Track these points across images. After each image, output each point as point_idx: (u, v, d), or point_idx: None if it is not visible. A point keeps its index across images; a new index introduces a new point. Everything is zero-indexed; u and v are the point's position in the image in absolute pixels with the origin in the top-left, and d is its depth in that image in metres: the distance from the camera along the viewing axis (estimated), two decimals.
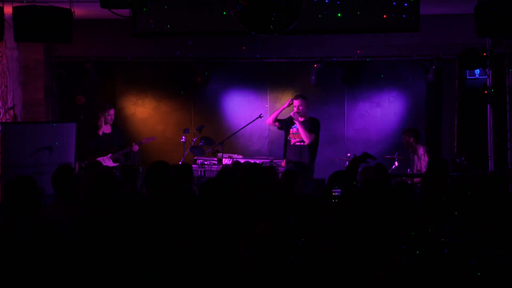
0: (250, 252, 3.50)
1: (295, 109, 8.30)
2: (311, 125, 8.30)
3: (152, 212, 4.18)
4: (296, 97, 8.41)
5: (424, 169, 8.15)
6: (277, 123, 8.61)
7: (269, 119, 8.67)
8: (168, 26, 7.39)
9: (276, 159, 8.25)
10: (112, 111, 8.80)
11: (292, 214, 4.16)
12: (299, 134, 8.27)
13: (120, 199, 4.17)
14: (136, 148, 8.79)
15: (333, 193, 4.74)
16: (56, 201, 4.50)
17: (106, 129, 8.73)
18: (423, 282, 3.05)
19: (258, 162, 8.02)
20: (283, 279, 3.35)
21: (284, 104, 8.60)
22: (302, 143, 8.26)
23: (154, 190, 5.05)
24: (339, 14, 7.08)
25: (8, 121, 8.65)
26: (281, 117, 8.62)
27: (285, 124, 8.51)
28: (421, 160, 8.32)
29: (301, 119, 8.26)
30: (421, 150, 8.38)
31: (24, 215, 3.85)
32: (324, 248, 3.64)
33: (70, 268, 3.58)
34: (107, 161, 8.47)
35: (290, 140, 8.39)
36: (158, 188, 5.06)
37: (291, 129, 8.40)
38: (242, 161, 7.90)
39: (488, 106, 8.86)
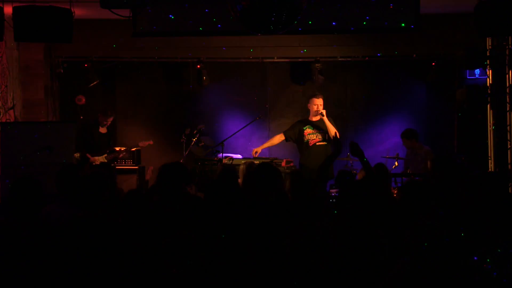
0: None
1: (314, 107, 8.01)
2: (332, 123, 7.99)
3: (151, 211, 4.19)
4: (317, 96, 8.08)
5: (428, 169, 8.12)
6: (290, 141, 8.25)
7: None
8: (168, 26, 7.38)
9: (276, 159, 8.22)
10: (111, 119, 8.78)
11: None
12: (317, 134, 7.99)
13: (114, 198, 4.18)
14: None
15: (331, 193, 4.74)
16: (60, 200, 4.50)
17: (101, 129, 8.80)
18: (424, 282, 3.04)
19: (257, 162, 8.04)
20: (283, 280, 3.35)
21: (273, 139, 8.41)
22: (324, 143, 7.95)
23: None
24: (334, 19, 7.08)
25: (8, 121, 8.64)
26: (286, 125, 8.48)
27: (297, 131, 8.12)
28: (424, 159, 8.29)
29: (318, 117, 8.00)
30: (423, 150, 8.35)
31: (26, 215, 3.85)
32: (323, 248, 3.63)
33: (71, 268, 3.58)
34: (102, 160, 8.58)
35: (308, 142, 8.00)
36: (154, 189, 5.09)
37: (305, 131, 8.04)
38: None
39: (488, 106, 8.86)
